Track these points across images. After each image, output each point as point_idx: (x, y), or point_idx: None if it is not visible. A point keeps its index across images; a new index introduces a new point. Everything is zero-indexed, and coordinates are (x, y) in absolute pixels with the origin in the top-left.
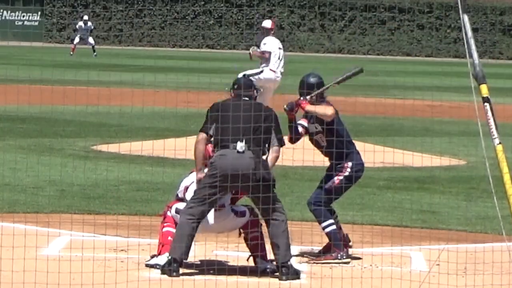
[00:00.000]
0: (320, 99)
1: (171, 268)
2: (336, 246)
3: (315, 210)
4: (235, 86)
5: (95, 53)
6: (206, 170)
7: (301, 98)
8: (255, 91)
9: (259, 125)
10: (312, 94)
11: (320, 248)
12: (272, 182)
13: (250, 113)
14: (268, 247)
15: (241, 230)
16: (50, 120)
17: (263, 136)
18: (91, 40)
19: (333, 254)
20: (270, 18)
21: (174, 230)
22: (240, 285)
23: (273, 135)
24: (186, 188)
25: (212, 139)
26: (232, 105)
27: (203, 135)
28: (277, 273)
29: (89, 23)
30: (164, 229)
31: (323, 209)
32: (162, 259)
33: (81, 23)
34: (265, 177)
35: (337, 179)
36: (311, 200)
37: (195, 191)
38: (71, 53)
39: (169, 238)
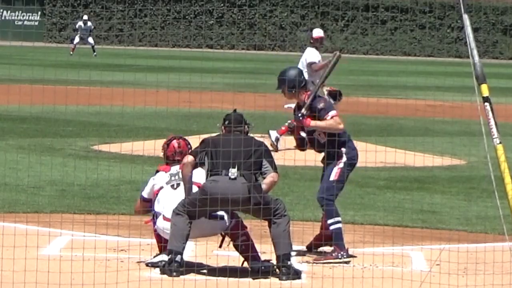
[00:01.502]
0: (314, 98)
1: (171, 268)
2: (338, 246)
3: (328, 205)
4: (226, 122)
5: (95, 53)
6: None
7: (300, 116)
8: (246, 126)
9: (250, 155)
10: (306, 105)
11: (324, 248)
12: (267, 205)
13: (241, 145)
14: (263, 247)
15: (224, 234)
16: (50, 120)
17: (254, 167)
18: (90, 40)
19: (333, 254)
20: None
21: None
22: (241, 285)
23: (267, 164)
24: (156, 193)
25: (205, 169)
26: (222, 140)
27: (190, 158)
28: (278, 273)
29: (89, 23)
30: (156, 233)
31: (332, 208)
32: (163, 256)
33: (80, 23)
34: (259, 201)
35: (338, 168)
36: (322, 195)
37: (185, 202)
38: (71, 53)
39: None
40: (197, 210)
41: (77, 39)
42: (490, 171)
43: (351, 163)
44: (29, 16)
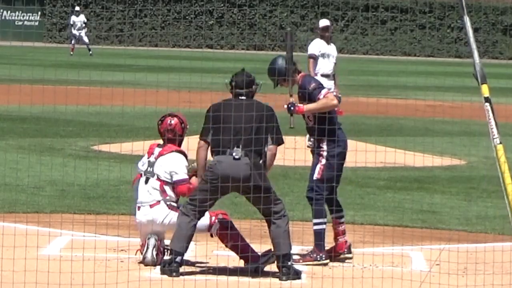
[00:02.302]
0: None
1: (171, 268)
2: (318, 247)
3: (317, 205)
4: (233, 84)
5: (90, 52)
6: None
7: (290, 107)
8: (254, 87)
9: (257, 125)
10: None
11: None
12: (267, 188)
13: (248, 113)
14: (263, 247)
15: (213, 232)
16: (50, 120)
17: (261, 137)
18: (85, 39)
19: (312, 255)
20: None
21: None
22: (241, 285)
23: (269, 135)
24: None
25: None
26: (229, 107)
27: (202, 143)
28: (278, 273)
29: (82, 15)
30: None
31: (322, 208)
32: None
33: (73, 17)
34: (260, 184)
35: (320, 165)
36: (311, 195)
37: (192, 194)
38: (71, 53)
39: None
40: (209, 197)
41: (74, 39)
42: (497, 171)
43: (338, 153)
44: (29, 16)
